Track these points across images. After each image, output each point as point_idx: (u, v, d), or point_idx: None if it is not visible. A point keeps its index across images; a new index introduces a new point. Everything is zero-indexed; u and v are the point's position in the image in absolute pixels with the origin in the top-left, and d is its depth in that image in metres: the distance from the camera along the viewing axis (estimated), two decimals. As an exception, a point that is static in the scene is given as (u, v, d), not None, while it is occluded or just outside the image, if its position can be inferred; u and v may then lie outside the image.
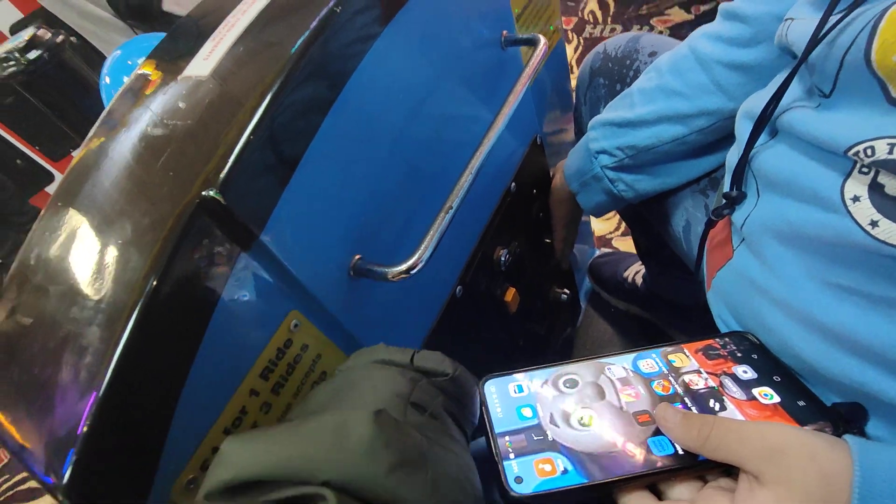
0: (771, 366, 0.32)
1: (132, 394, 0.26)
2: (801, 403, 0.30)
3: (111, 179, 0.32)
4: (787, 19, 0.34)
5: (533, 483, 0.28)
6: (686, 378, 0.32)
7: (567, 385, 0.33)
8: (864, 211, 0.26)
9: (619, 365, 0.34)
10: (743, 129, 0.37)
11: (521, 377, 0.33)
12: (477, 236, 0.55)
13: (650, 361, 0.34)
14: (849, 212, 0.27)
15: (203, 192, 0.27)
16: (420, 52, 0.42)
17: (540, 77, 0.63)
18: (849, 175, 0.27)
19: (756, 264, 0.34)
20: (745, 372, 0.32)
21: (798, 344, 0.31)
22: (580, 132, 0.67)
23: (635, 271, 0.87)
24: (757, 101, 0.35)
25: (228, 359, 0.31)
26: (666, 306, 0.82)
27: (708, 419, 0.27)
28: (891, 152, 0.25)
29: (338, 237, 0.36)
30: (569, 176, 0.58)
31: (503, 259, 0.58)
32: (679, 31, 1.44)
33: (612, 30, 1.54)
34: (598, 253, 0.97)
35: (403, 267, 0.36)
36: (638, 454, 0.28)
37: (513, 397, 0.32)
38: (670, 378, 0.32)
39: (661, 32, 1.46)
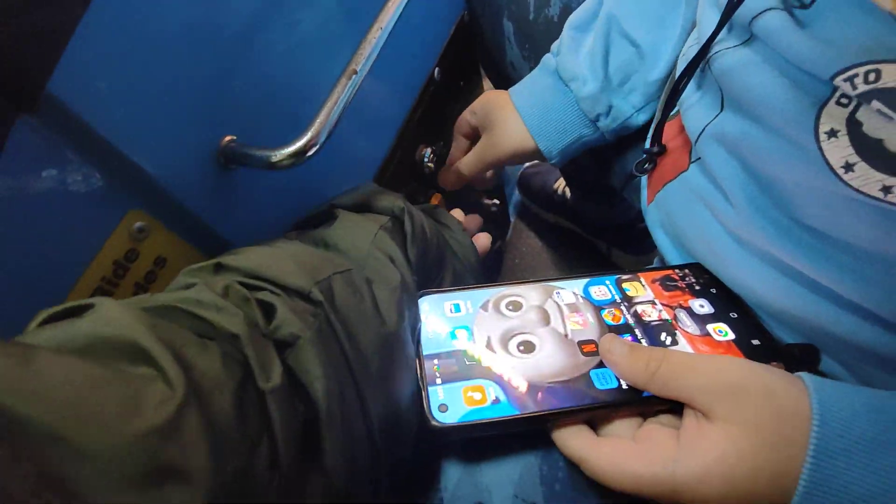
0: (729, 301, 0.30)
1: None
2: (756, 342, 0.28)
3: None
4: None
5: (459, 412, 0.24)
6: (639, 308, 0.29)
7: (509, 308, 0.29)
8: (839, 150, 0.22)
9: (569, 290, 0.30)
10: (707, 20, 0.30)
11: (459, 296, 0.30)
12: (395, 131, 0.46)
13: (603, 288, 0.31)
14: (821, 149, 0.23)
15: None
16: None
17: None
18: (824, 104, 0.22)
19: (710, 186, 0.30)
20: (702, 306, 0.30)
21: (748, 276, 0.28)
22: (484, 52, 0.55)
23: (565, 183, 0.83)
24: None
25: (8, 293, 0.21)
26: (593, 222, 0.79)
27: (657, 352, 0.24)
28: None
29: (193, 105, 0.26)
30: (548, 150, 0.43)
31: (426, 159, 0.49)
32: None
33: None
34: (527, 164, 0.91)
35: (292, 148, 0.27)
36: (578, 387, 0.25)
37: (448, 317, 0.28)
38: (622, 307, 0.29)
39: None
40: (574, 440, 0.24)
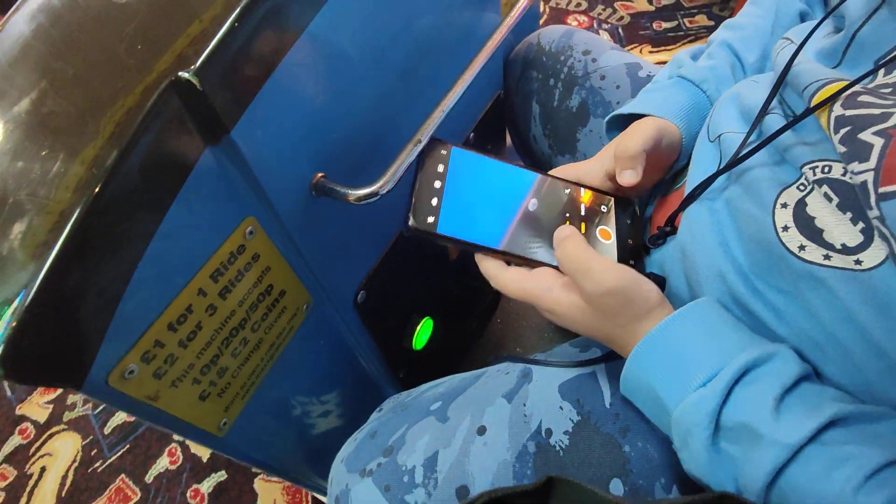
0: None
1: (79, 272, 0.25)
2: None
3: (63, 44, 0.29)
4: (785, 38, 0.38)
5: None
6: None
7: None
8: (783, 217, 0.31)
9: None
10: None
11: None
12: (431, 179, 0.56)
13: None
14: (773, 213, 0.32)
15: (180, 74, 0.26)
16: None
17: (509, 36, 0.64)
18: (787, 187, 0.32)
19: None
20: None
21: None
22: (512, 123, 0.68)
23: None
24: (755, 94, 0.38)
25: (181, 253, 0.30)
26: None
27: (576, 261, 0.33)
28: (844, 174, 0.29)
29: (304, 150, 0.36)
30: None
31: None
32: (638, 21, 1.49)
33: (578, 4, 1.56)
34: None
35: (367, 191, 0.37)
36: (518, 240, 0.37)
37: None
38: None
39: (620, 18, 1.50)
40: (490, 263, 0.36)
